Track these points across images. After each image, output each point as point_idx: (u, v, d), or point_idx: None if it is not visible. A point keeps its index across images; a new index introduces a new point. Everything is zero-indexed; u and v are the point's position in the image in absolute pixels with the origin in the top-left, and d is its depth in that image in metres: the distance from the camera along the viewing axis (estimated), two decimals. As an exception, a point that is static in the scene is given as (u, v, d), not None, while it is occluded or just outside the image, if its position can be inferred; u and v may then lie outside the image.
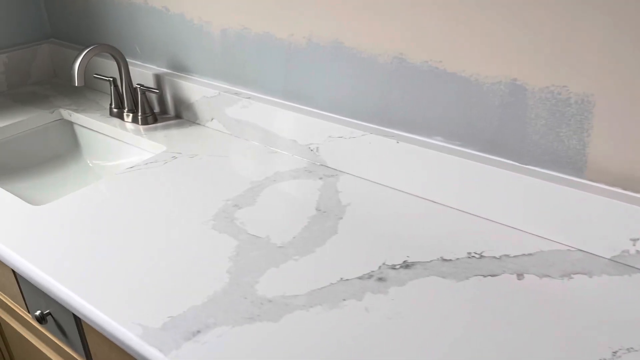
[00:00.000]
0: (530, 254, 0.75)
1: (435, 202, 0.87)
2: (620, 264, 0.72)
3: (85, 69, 1.04)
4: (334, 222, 0.83)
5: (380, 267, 0.73)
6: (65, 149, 1.27)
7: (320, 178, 0.96)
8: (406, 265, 0.74)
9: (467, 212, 0.84)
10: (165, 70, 1.21)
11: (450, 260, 0.74)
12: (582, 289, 0.68)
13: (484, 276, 0.71)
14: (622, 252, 0.72)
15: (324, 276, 0.72)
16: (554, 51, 0.69)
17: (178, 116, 1.22)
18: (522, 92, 0.74)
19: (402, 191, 0.91)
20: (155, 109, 1.24)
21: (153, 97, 1.23)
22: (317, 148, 0.99)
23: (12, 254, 0.78)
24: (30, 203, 0.90)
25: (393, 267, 0.73)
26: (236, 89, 1.09)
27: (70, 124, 1.28)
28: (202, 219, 0.84)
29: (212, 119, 1.15)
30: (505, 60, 0.74)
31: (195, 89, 1.14)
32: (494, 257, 0.75)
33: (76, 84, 1.06)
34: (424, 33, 0.80)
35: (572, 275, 0.71)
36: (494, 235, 0.79)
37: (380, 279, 0.71)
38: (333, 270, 0.73)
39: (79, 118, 1.24)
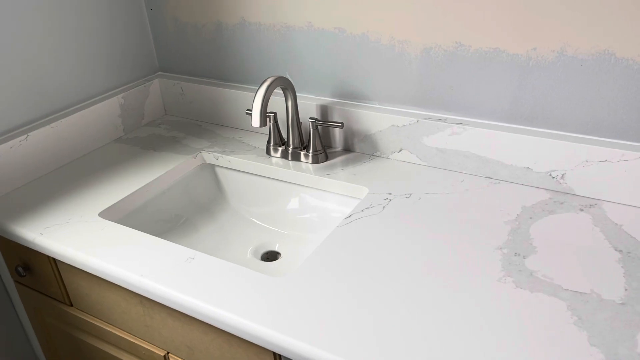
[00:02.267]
0: None
1: None
2: None
3: (267, 107, 0.89)
4: (655, 264, 0.70)
5: None
6: (210, 197, 1.11)
7: (581, 210, 0.83)
8: None
9: None
10: (330, 99, 1.06)
11: None
12: None
13: None
14: None
15: None
16: None
17: (347, 149, 1.07)
18: None
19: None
20: (317, 143, 1.09)
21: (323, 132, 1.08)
22: (563, 175, 0.86)
23: (273, 334, 0.62)
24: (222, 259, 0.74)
25: None
26: (439, 115, 0.96)
27: (212, 168, 1.11)
28: (492, 275, 0.70)
29: (400, 150, 1.01)
30: None
31: (380, 118, 0.99)
32: None
33: (258, 125, 0.90)
34: None
35: None
36: None
37: None
38: None
39: (231, 161, 1.08)
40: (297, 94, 1.08)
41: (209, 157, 1.10)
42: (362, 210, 0.87)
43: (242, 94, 1.14)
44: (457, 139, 0.93)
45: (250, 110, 0.99)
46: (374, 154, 1.04)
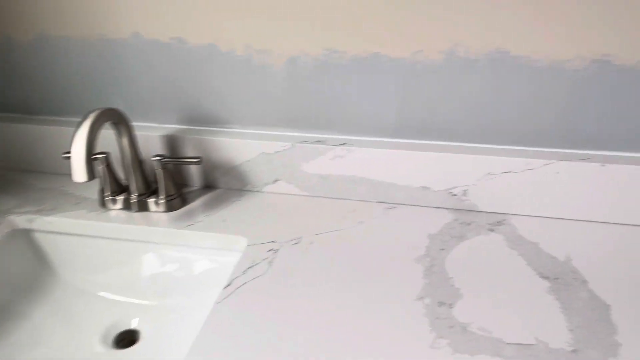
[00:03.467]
0: None
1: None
2: None
3: (92, 151, 0.64)
4: (587, 292, 0.62)
5: None
6: (31, 273, 0.83)
7: (491, 230, 0.73)
8: None
9: None
10: (179, 126, 0.84)
11: None
12: None
13: None
14: None
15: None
16: None
17: (209, 186, 0.86)
18: None
19: (618, 223, 0.73)
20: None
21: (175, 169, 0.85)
22: (465, 191, 0.76)
23: None
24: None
25: None
26: (318, 136, 0.79)
27: (27, 235, 0.83)
28: (422, 339, 0.57)
29: (274, 181, 0.83)
30: None
31: (246, 146, 0.81)
32: None
33: (82, 180, 0.66)
34: (636, 26, 0.62)
35: None
36: None
37: None
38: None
39: (53, 222, 0.81)
40: (135, 125, 0.84)
41: (20, 220, 0.82)
42: (244, 272, 0.68)
43: (58, 129, 0.87)
44: (341, 162, 0.78)
45: (69, 154, 0.73)
46: (244, 189, 0.85)
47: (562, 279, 0.64)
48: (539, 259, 0.68)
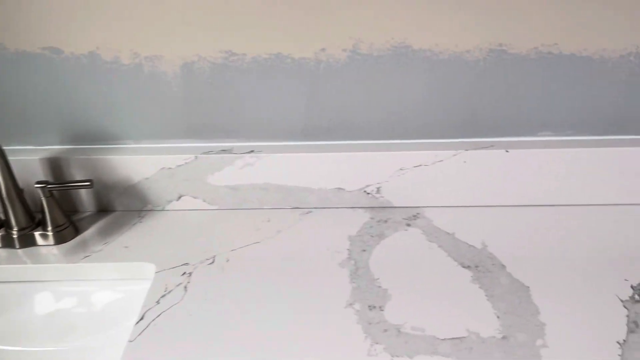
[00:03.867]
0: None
1: (576, 205, 0.75)
2: None
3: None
4: (506, 276, 0.64)
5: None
6: None
7: (408, 225, 0.73)
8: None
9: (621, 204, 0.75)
10: (63, 147, 0.75)
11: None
12: None
13: None
14: None
15: None
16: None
17: (105, 210, 0.78)
18: (656, 60, 0.67)
19: (527, 205, 0.75)
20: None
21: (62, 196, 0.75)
22: (379, 189, 0.75)
23: None
24: None
25: None
26: (223, 145, 0.74)
27: None
28: (358, 346, 0.55)
29: (179, 198, 0.77)
30: (634, 28, 0.65)
31: (143, 162, 0.74)
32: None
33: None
34: (529, 16, 0.65)
35: None
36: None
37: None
38: None
39: None
40: (8, 148, 0.73)
41: None
42: (157, 302, 0.61)
43: None
44: (251, 171, 0.74)
45: None
46: (145, 209, 0.78)
47: (482, 267, 0.65)
48: (457, 249, 0.68)
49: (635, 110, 0.70)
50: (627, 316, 0.57)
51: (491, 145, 0.72)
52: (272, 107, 0.72)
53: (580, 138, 0.73)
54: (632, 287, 0.61)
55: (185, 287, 0.63)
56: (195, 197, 0.76)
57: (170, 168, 0.74)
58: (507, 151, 0.71)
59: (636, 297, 0.60)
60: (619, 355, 0.53)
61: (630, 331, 0.55)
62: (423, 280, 0.63)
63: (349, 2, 0.64)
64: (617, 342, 0.54)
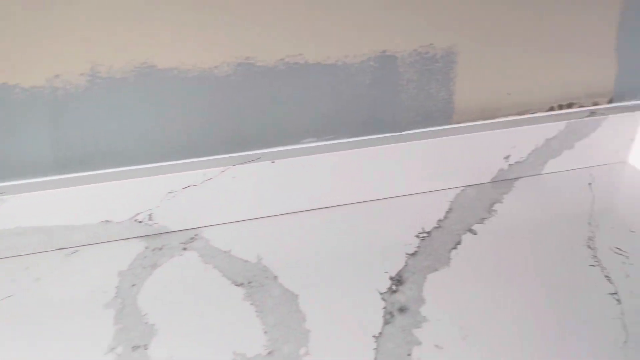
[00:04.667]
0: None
1: (343, 205, 0.78)
2: (499, 182, 0.83)
3: None
4: (278, 287, 0.64)
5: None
6: None
7: (185, 249, 0.71)
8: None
9: (376, 200, 0.79)
10: None
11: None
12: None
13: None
14: (499, 172, 0.83)
15: None
16: (415, 12, 0.69)
17: None
18: (392, 62, 0.72)
19: (299, 211, 0.76)
20: None
21: None
22: (150, 215, 0.71)
23: None
24: None
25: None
26: (-44, 191, 0.65)
27: None
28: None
29: None
30: (372, 35, 0.70)
31: None
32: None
33: None
34: (272, 29, 0.66)
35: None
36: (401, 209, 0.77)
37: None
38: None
39: None
40: None
41: None
42: None
43: None
44: (0, 216, 0.66)
45: None
46: None
47: (255, 281, 0.65)
48: (232, 266, 0.67)
49: (384, 109, 0.75)
50: (384, 308, 0.61)
51: (258, 158, 0.72)
52: (16, 143, 0.64)
53: (341, 141, 0.76)
54: (390, 278, 0.65)
55: None
56: None
57: None
58: (272, 162, 0.72)
59: (393, 287, 0.64)
60: (374, 349, 0.56)
61: (385, 323, 0.59)
62: (195, 307, 0.61)
63: (82, 24, 0.59)
64: (373, 336, 0.57)
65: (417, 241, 0.71)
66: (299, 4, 0.65)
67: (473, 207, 0.77)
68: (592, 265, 0.66)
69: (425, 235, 0.72)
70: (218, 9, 0.63)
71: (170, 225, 0.73)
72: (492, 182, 0.83)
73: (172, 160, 0.71)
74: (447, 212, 0.77)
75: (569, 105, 0.83)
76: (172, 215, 0.72)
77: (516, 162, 0.82)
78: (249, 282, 0.65)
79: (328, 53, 0.69)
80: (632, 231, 0.71)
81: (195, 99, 0.68)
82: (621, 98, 0.84)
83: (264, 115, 0.71)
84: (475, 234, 0.72)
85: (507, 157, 0.81)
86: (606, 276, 0.64)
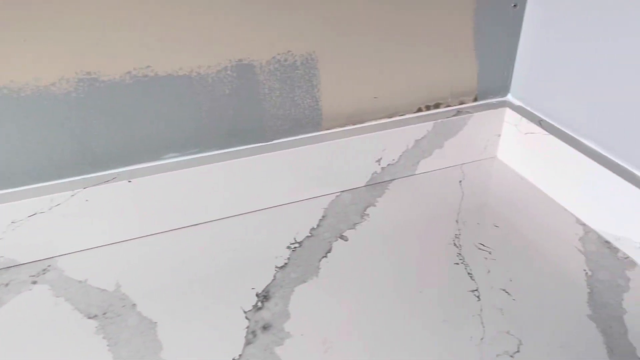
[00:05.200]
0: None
1: (212, 221, 0.74)
2: (373, 185, 0.83)
3: None
4: (136, 315, 0.60)
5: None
6: None
7: (34, 282, 0.65)
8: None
9: (242, 214, 0.76)
10: None
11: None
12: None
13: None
14: (372, 175, 0.83)
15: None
16: (270, 19, 0.68)
17: None
18: (250, 71, 0.70)
19: (161, 232, 0.72)
20: None
21: None
22: (-7, 249, 0.65)
23: None
24: None
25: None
26: None
27: None
28: None
29: None
30: (225, 44, 0.67)
31: None
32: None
33: None
34: (113, 43, 0.62)
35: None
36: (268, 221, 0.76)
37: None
38: None
39: None
40: None
41: None
42: None
43: None
44: None
45: None
46: None
47: (110, 312, 0.60)
48: (87, 298, 0.62)
49: (248, 119, 0.73)
50: (247, 327, 0.58)
51: (113, 178, 0.68)
52: None
53: (206, 154, 0.73)
54: (256, 294, 0.63)
55: None
56: None
57: None
58: (129, 181, 0.68)
59: (259, 304, 0.61)
60: (234, 373, 0.53)
61: (247, 343, 0.56)
62: (41, 347, 0.56)
63: None
64: (233, 359, 0.54)
65: (287, 252, 0.69)
66: (143, 13, 0.61)
67: (346, 213, 0.77)
68: (457, 264, 0.67)
69: (297, 245, 0.70)
70: (48, 20, 0.58)
71: (18, 257, 0.67)
72: (366, 185, 0.83)
73: (12, 188, 0.65)
74: (321, 220, 0.75)
75: (437, 106, 0.85)
76: (18, 247, 0.66)
77: (389, 165, 0.82)
78: (104, 314, 0.60)
79: (179, 64, 0.66)
80: (496, 226, 0.73)
81: (32, 120, 0.62)
82: (485, 96, 0.87)
83: (116, 132, 0.67)
84: (346, 240, 0.71)
85: (379, 160, 0.82)
86: (469, 273, 0.65)
